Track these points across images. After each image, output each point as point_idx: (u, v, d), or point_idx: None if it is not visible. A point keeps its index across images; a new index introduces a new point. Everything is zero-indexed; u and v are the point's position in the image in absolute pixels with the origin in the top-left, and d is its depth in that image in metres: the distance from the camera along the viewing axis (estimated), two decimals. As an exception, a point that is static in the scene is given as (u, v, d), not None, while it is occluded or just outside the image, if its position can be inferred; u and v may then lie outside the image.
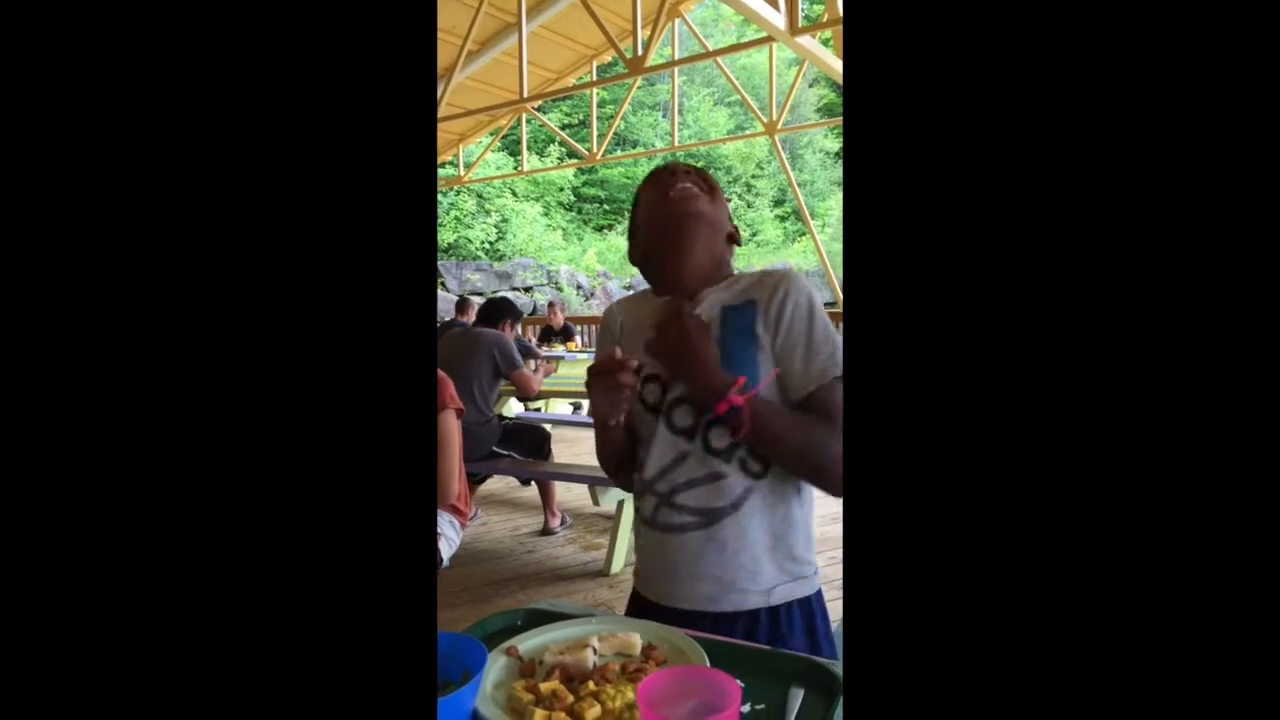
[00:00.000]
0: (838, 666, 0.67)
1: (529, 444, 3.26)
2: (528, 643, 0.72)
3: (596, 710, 0.60)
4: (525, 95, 5.81)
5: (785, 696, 0.63)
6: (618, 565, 2.93)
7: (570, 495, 3.81)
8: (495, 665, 0.69)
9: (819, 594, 0.91)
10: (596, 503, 2.98)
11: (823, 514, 3.55)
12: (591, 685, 0.63)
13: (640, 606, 0.94)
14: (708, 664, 0.65)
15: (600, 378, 0.85)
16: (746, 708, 0.62)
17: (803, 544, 0.89)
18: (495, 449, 3.19)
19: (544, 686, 0.63)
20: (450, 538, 2.01)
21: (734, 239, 1.00)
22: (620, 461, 0.97)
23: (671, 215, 0.93)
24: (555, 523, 3.41)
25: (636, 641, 0.71)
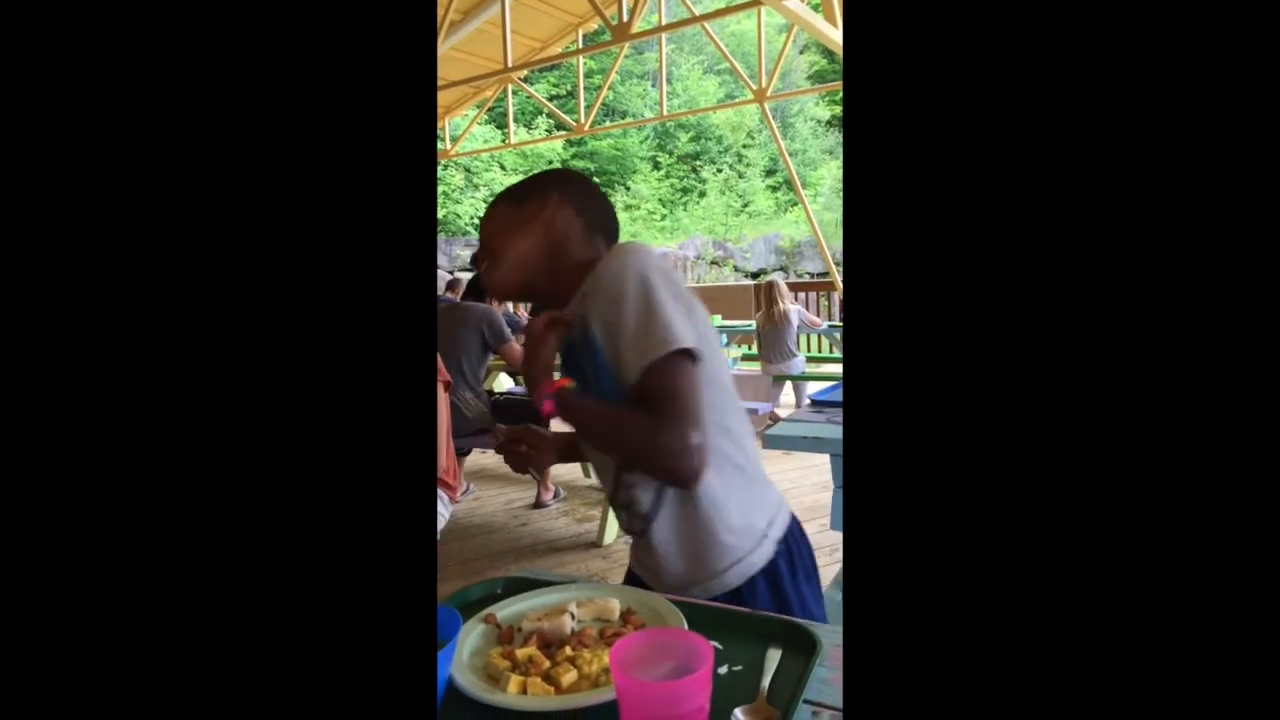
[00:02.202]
0: (814, 627, 0.67)
1: (521, 419, 3.26)
2: (506, 610, 0.72)
3: (573, 675, 0.60)
4: (510, 65, 5.71)
5: (763, 657, 0.63)
6: (610, 536, 2.95)
7: (562, 468, 3.82)
8: (473, 633, 0.69)
9: (776, 559, 0.87)
10: (587, 475, 3.00)
11: (814, 482, 3.57)
12: (568, 650, 0.63)
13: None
14: (685, 627, 0.65)
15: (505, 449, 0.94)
16: (724, 669, 0.62)
17: (737, 519, 0.84)
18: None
19: (520, 653, 0.63)
20: (439, 512, 2.01)
21: (557, 249, 0.88)
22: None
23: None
24: (548, 496, 3.42)
25: (615, 606, 0.70)
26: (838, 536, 2.31)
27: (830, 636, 0.66)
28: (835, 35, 4.98)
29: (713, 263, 15.82)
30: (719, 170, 19.18)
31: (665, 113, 7.50)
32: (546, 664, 0.61)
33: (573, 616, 0.69)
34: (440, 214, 15.00)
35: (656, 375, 0.75)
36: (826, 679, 0.60)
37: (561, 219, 0.88)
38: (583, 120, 7.32)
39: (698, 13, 5.79)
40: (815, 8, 5.23)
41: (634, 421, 0.76)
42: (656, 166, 19.13)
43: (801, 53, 18.60)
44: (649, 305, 0.76)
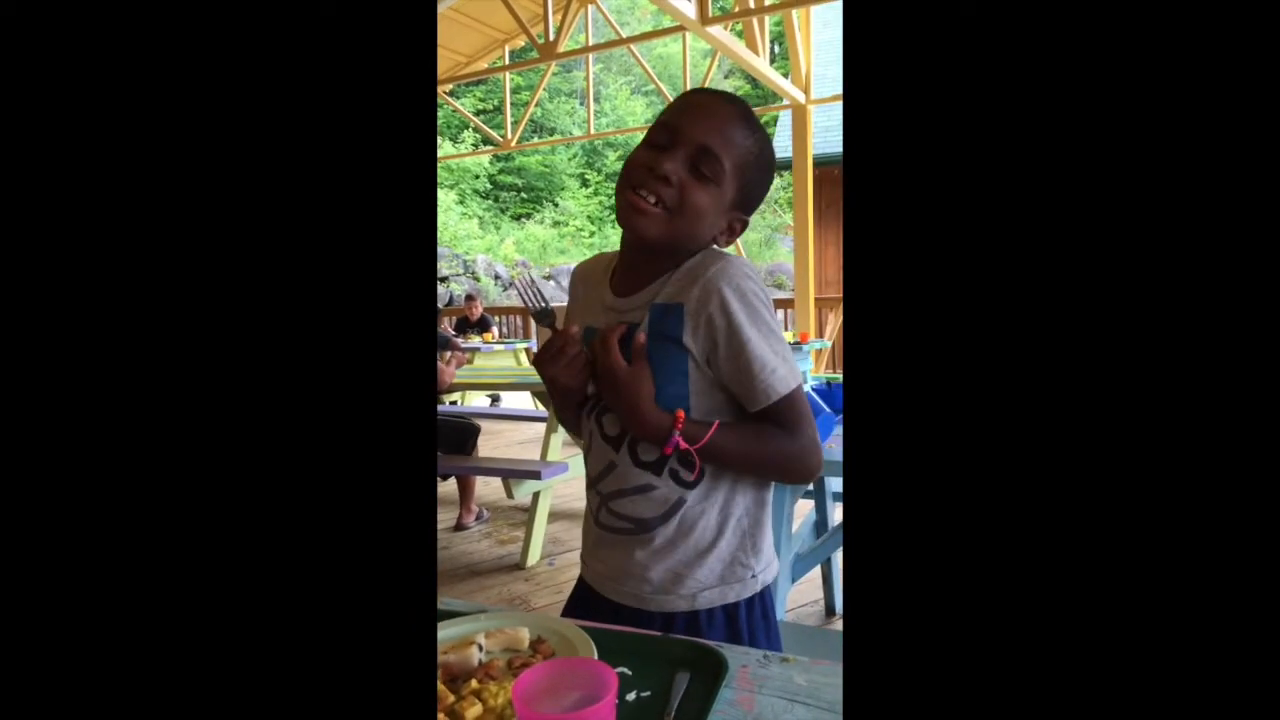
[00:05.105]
0: (723, 649, 0.67)
1: (447, 439, 3.18)
2: (411, 644, 0.70)
3: (478, 709, 0.59)
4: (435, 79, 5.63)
5: (671, 682, 0.63)
6: (534, 558, 2.91)
7: (486, 489, 3.75)
8: (375, 669, 0.66)
9: (754, 598, 0.85)
10: (511, 496, 2.94)
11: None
12: (474, 683, 0.62)
13: (582, 596, 0.92)
14: (595, 654, 0.65)
15: (553, 361, 0.82)
16: (633, 695, 0.62)
17: (742, 546, 0.84)
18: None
19: (423, 688, 0.61)
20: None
21: (733, 231, 0.85)
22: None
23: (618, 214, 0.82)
24: (470, 518, 3.34)
25: (524, 636, 0.69)
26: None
27: (739, 659, 0.67)
28: (756, 62, 5.14)
29: (641, 280, 15.93)
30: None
31: (593, 131, 7.56)
32: (450, 698, 0.60)
33: (480, 648, 0.67)
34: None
35: (791, 399, 0.79)
36: (733, 700, 0.61)
37: (724, 196, 0.82)
38: (509, 136, 7.28)
39: (625, 35, 5.88)
40: (738, 35, 5.39)
41: (779, 438, 0.80)
42: (585, 184, 19.20)
43: (726, 77, 19.09)
44: (775, 335, 0.79)
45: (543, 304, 0.90)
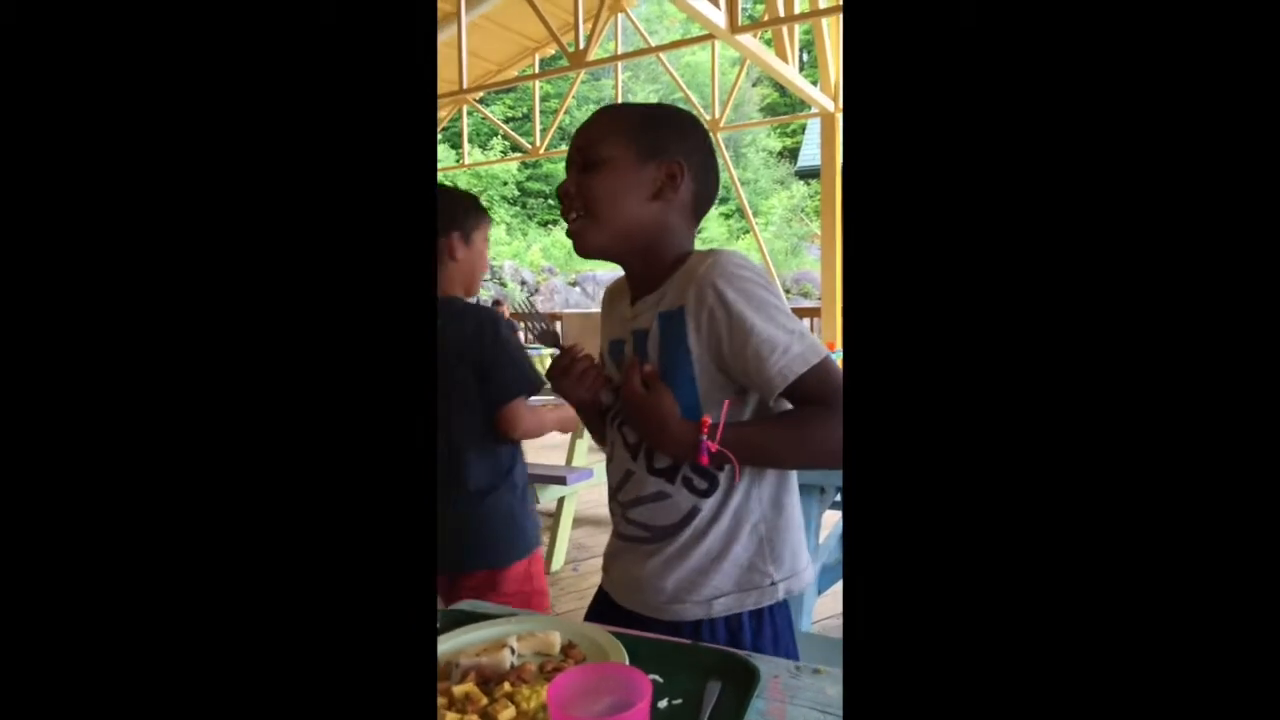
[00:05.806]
0: (755, 659, 0.67)
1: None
2: (444, 645, 0.71)
3: (510, 712, 0.59)
4: (465, 87, 5.70)
5: (703, 690, 0.63)
6: (558, 563, 2.91)
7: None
8: (409, 669, 0.67)
9: (765, 618, 0.84)
10: (536, 500, 2.96)
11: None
12: (507, 686, 0.62)
13: (601, 602, 0.93)
14: (626, 661, 0.65)
15: (563, 377, 0.88)
16: (664, 703, 0.62)
17: (759, 552, 0.83)
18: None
19: (457, 689, 0.61)
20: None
21: (659, 195, 0.83)
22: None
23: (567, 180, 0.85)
24: (495, 521, 3.36)
25: (556, 640, 0.70)
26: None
27: (770, 669, 0.66)
28: (786, 70, 5.13)
29: (666, 287, 15.93)
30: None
31: (620, 139, 7.56)
32: (484, 701, 0.60)
33: (512, 651, 0.68)
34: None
35: (817, 375, 0.76)
36: (765, 711, 0.60)
37: (681, 201, 0.84)
38: (538, 143, 7.34)
39: (654, 43, 5.90)
40: (767, 43, 5.38)
41: (811, 422, 0.77)
42: (611, 191, 19.24)
43: (754, 85, 19.08)
44: (781, 313, 0.77)
45: (542, 326, 0.96)
